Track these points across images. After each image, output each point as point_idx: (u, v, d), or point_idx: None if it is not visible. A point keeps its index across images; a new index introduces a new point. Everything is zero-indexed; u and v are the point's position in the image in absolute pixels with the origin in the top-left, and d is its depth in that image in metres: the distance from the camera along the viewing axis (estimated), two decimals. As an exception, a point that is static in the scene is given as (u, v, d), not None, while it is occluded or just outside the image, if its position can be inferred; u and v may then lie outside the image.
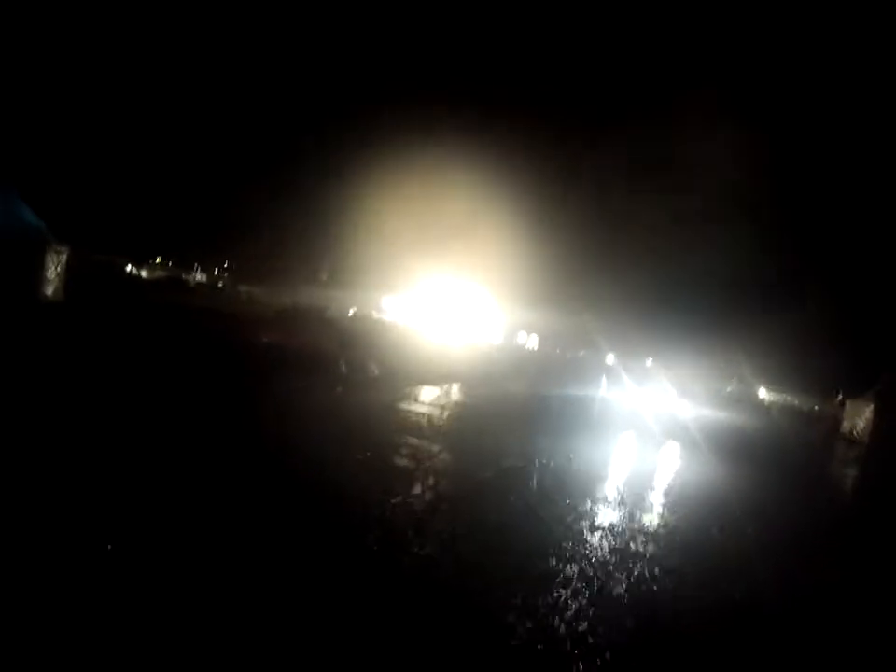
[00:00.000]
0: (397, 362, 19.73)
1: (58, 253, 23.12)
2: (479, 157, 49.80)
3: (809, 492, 15.99)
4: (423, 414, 13.77)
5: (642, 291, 56.94)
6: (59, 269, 23.29)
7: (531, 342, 60.96)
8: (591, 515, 8.62)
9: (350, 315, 37.46)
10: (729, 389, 47.89)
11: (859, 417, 31.44)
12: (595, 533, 7.65)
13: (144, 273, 38.12)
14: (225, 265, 41.06)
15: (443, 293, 47.63)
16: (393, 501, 7.21)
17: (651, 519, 9.23)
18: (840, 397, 35.35)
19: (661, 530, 8.61)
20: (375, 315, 41.24)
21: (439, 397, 17.21)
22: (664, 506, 10.41)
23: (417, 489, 8.04)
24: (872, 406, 29.66)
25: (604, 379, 35.84)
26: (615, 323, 60.53)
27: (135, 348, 14.76)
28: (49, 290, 22.80)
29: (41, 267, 22.27)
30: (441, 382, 19.64)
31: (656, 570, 6.74)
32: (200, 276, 43.38)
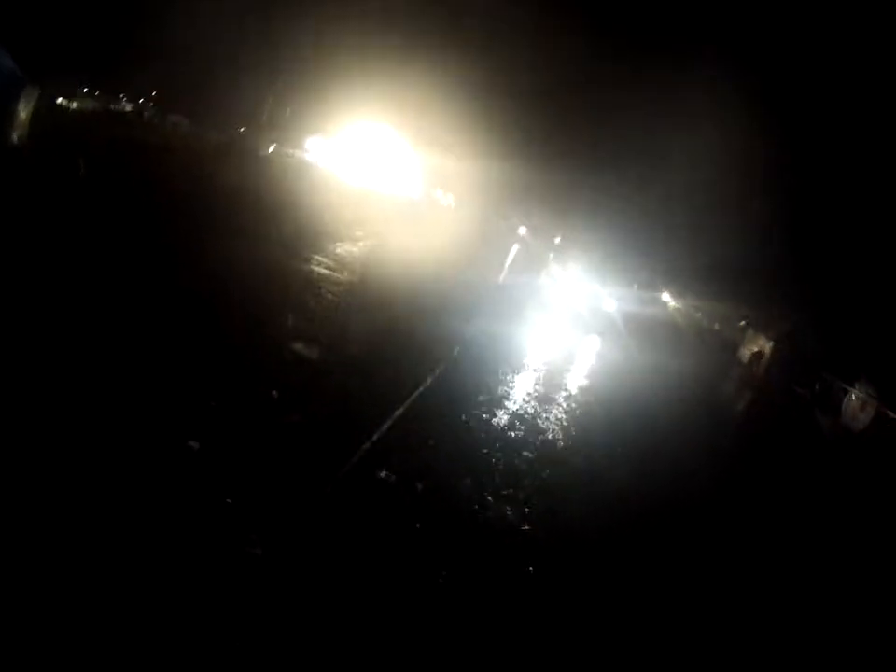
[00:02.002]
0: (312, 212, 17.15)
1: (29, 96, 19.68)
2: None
3: (701, 406, 18.64)
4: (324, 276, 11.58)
5: (567, 161, 56.40)
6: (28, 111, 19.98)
7: (448, 199, 60.33)
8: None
9: (270, 151, 35.71)
10: (636, 286, 49.55)
11: (756, 347, 35.90)
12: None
13: (74, 105, 32.56)
14: (153, 94, 35.74)
15: (369, 138, 46.02)
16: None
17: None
18: (744, 323, 39.40)
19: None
20: (299, 154, 39.50)
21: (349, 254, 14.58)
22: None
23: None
24: (772, 345, 33.98)
25: (515, 250, 37.39)
26: (533, 193, 60.87)
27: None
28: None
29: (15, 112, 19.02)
30: (356, 238, 17.16)
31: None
32: (128, 106, 37.96)
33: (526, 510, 5.73)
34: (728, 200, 51.30)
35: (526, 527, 5.42)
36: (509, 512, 5.51)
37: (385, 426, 5.97)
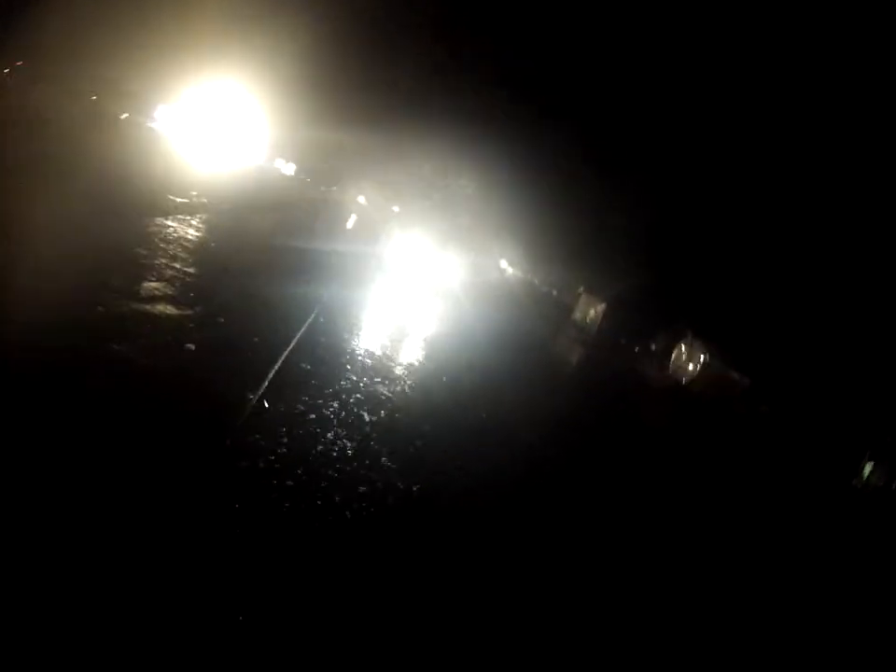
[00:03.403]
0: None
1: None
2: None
3: (541, 358, 20.44)
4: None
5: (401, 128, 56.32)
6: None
7: (289, 168, 58.37)
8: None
9: (123, 118, 33.62)
10: (471, 255, 50.21)
11: (590, 309, 38.05)
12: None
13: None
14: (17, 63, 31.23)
15: (213, 104, 44.06)
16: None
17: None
18: (582, 289, 41.36)
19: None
20: (147, 122, 37.53)
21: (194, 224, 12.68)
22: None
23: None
24: (603, 305, 36.17)
25: (354, 218, 37.39)
26: (370, 159, 60.42)
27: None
28: None
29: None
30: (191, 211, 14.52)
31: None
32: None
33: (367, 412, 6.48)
34: (566, 185, 54.14)
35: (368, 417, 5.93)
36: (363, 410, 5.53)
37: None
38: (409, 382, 8.57)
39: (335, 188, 60.89)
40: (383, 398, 7.40)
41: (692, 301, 30.92)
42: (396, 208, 64.51)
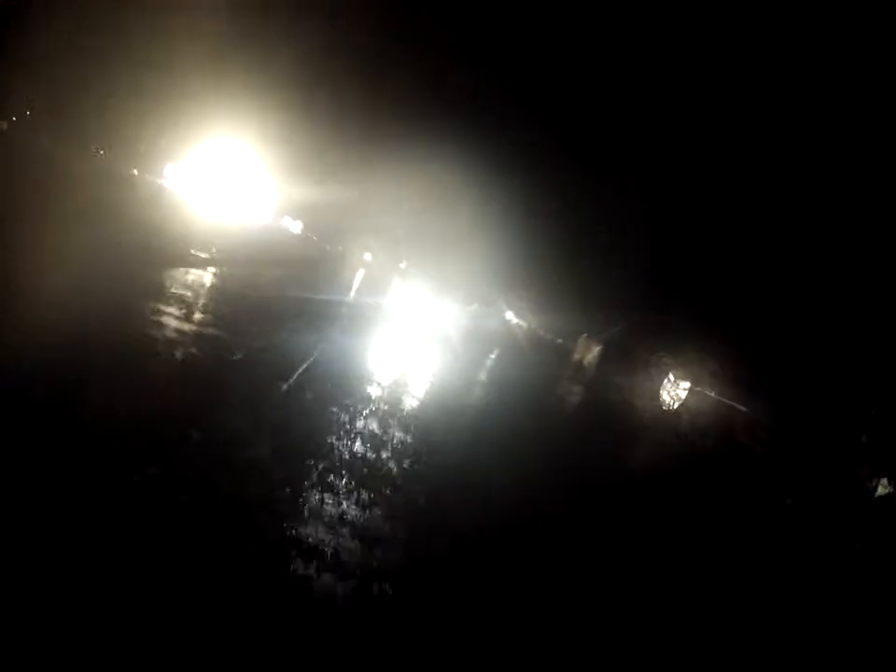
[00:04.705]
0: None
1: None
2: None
3: (542, 400, 20.88)
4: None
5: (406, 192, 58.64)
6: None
7: (296, 226, 60.54)
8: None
9: (133, 175, 35.32)
10: (475, 306, 51.45)
11: (588, 352, 39.46)
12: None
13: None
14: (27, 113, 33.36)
15: (222, 163, 46.23)
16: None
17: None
18: (585, 335, 42.55)
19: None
20: (158, 179, 39.24)
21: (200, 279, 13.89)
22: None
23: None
24: (600, 347, 37.57)
25: (362, 273, 38.63)
26: (377, 220, 62.47)
27: None
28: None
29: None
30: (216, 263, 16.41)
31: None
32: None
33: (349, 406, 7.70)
34: (562, 234, 55.85)
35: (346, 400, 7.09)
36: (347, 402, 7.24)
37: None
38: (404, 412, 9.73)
39: (341, 246, 62.91)
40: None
41: (676, 335, 32.49)
42: (402, 264, 66.12)
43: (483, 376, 19.32)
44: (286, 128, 49.30)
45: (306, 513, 4.66)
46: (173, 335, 7.60)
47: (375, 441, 7.12)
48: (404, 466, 6.74)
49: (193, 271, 13.72)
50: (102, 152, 35.98)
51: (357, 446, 6.70)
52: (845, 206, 33.65)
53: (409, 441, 7.76)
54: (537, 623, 4.72)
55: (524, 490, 8.22)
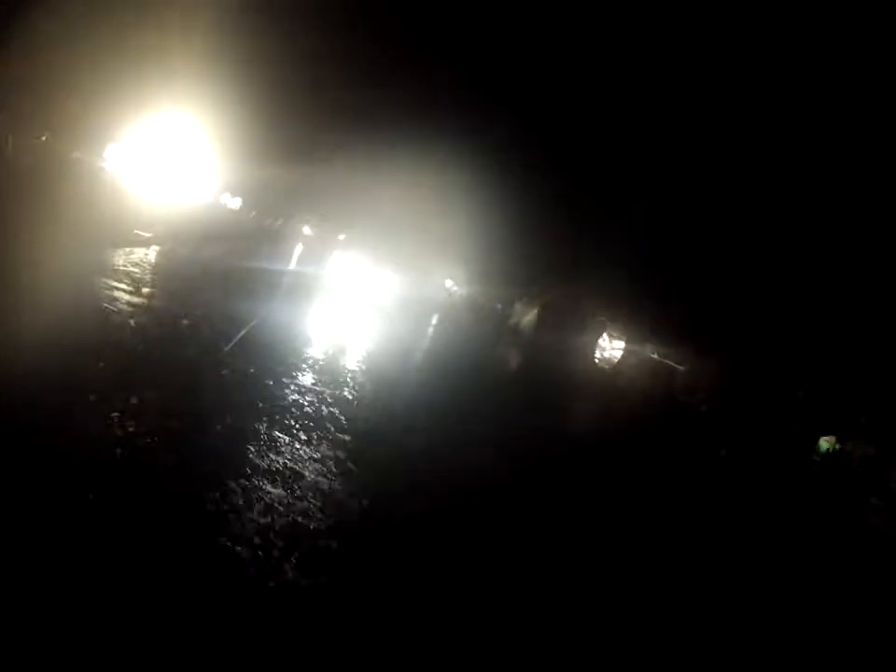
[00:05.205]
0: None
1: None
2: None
3: (480, 359, 22.05)
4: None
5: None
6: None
7: (235, 202, 59.97)
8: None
9: (75, 158, 34.75)
10: (414, 275, 51.84)
11: (525, 315, 41.14)
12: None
13: None
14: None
15: (163, 143, 45.48)
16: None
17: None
18: (524, 300, 43.92)
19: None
20: (99, 162, 38.40)
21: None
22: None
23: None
24: (537, 310, 39.22)
25: (301, 246, 38.75)
26: (318, 198, 61.97)
27: None
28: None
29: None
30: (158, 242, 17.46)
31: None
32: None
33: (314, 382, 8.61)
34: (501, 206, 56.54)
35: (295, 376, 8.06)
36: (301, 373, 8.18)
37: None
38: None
39: (280, 220, 62.55)
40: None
41: (611, 297, 33.98)
42: (342, 236, 65.89)
43: (421, 342, 19.79)
44: (229, 108, 48.54)
45: (257, 441, 5.88)
46: (125, 307, 8.57)
47: (314, 399, 8.05)
48: (337, 415, 7.58)
49: (138, 249, 14.47)
50: (44, 137, 35.11)
51: (295, 408, 7.36)
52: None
53: (344, 394, 8.52)
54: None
55: (460, 448, 8.40)
